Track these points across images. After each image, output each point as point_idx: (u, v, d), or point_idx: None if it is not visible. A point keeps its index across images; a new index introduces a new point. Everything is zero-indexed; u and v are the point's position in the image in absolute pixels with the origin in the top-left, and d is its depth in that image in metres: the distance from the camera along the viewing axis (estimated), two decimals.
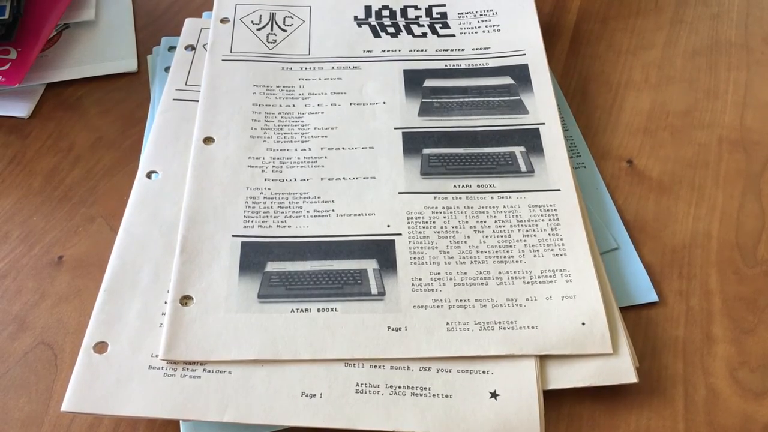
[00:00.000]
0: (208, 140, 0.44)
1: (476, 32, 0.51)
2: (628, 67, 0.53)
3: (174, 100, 0.47)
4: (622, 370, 0.35)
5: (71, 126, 0.49)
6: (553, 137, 0.44)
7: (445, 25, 0.52)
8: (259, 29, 0.51)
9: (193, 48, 0.50)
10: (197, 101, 0.46)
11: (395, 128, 0.45)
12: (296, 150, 0.44)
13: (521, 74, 0.48)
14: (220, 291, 0.38)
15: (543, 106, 0.46)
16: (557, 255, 0.39)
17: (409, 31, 0.52)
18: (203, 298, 0.37)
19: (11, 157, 0.47)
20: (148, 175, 0.43)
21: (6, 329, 0.39)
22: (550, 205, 0.41)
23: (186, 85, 0.48)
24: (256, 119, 0.45)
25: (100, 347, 0.36)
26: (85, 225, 0.44)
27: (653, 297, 0.40)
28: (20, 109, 0.49)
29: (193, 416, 0.34)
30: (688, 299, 0.40)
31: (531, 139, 0.44)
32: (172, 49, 0.51)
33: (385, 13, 0.53)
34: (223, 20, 0.51)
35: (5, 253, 0.42)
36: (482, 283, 0.38)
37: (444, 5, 0.54)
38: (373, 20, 0.52)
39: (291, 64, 0.49)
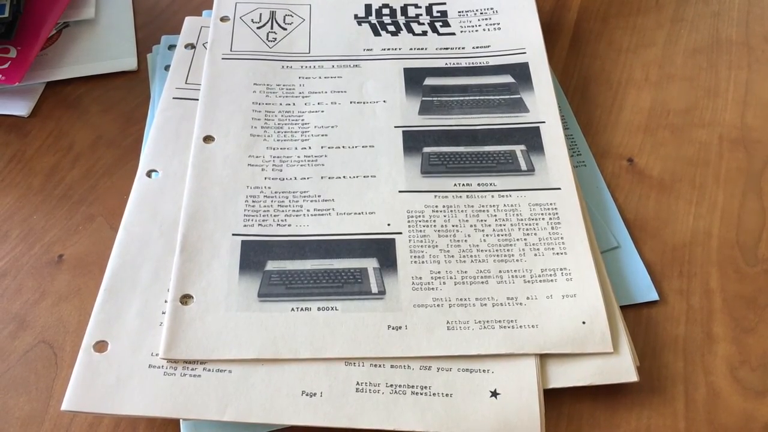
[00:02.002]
0: (208, 139, 0.44)
1: (476, 30, 0.51)
2: (629, 65, 0.53)
3: (174, 98, 0.46)
4: (622, 368, 0.35)
5: (71, 125, 0.49)
6: (553, 136, 0.44)
7: (446, 24, 0.52)
8: (259, 27, 0.51)
9: (193, 46, 0.50)
10: (197, 100, 0.46)
11: (395, 127, 0.45)
12: (296, 149, 0.44)
13: (522, 73, 0.48)
14: (220, 290, 0.38)
15: (543, 104, 0.46)
16: (558, 254, 0.39)
17: (410, 30, 0.52)
18: (203, 297, 0.37)
19: (11, 156, 0.47)
20: (149, 174, 0.43)
21: (6, 328, 0.39)
22: (551, 204, 0.41)
23: (186, 83, 0.47)
24: (256, 118, 0.45)
25: (101, 346, 0.36)
26: (85, 224, 0.44)
27: (654, 296, 0.40)
28: (20, 108, 0.49)
29: (193, 415, 0.34)
30: (689, 298, 0.40)
31: (531, 138, 0.44)
32: (172, 47, 0.51)
33: (386, 11, 0.53)
34: (223, 19, 0.51)
35: (5, 251, 0.42)
36: (482, 282, 0.38)
37: (444, 3, 0.53)
38: (373, 18, 0.52)
39: (291, 63, 0.49)
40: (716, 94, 0.50)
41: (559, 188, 0.42)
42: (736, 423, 0.35)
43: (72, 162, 0.47)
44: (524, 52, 0.49)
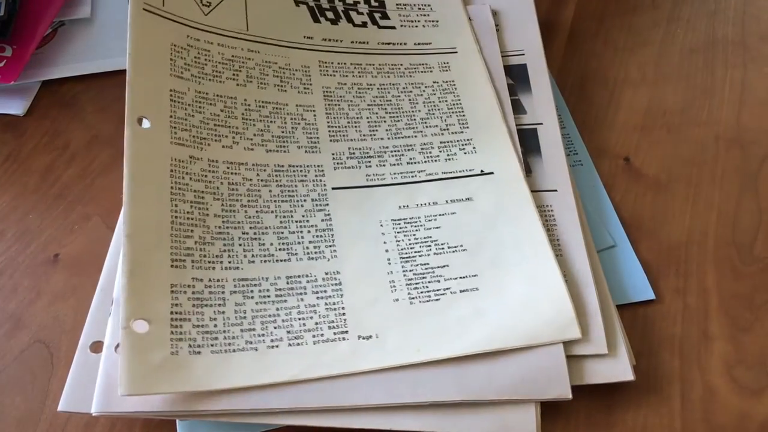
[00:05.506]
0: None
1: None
2: (625, 64, 0.53)
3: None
4: (618, 368, 0.35)
5: (67, 124, 0.49)
6: (550, 138, 0.44)
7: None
8: None
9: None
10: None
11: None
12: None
13: (520, 74, 0.48)
14: None
15: (541, 106, 0.46)
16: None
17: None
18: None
19: (6, 155, 0.47)
20: None
21: (2, 327, 0.39)
22: (547, 206, 0.41)
23: None
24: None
25: (97, 346, 0.36)
26: (81, 223, 0.43)
27: (650, 295, 0.40)
28: (16, 107, 0.49)
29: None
30: (685, 297, 0.40)
31: (529, 140, 0.44)
32: None
33: None
34: None
35: (1, 251, 0.42)
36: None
37: None
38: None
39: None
40: (712, 93, 0.50)
41: (556, 190, 0.42)
42: (732, 421, 0.36)
43: (68, 161, 0.47)
44: (523, 54, 0.49)
